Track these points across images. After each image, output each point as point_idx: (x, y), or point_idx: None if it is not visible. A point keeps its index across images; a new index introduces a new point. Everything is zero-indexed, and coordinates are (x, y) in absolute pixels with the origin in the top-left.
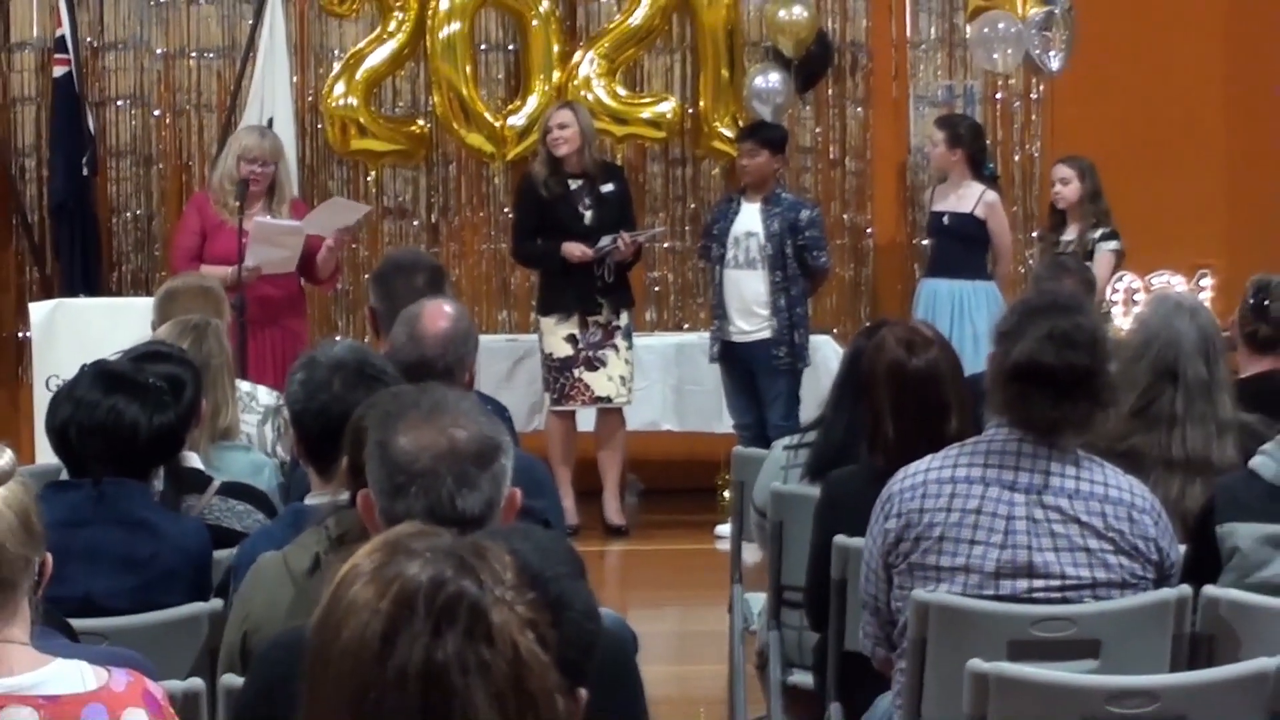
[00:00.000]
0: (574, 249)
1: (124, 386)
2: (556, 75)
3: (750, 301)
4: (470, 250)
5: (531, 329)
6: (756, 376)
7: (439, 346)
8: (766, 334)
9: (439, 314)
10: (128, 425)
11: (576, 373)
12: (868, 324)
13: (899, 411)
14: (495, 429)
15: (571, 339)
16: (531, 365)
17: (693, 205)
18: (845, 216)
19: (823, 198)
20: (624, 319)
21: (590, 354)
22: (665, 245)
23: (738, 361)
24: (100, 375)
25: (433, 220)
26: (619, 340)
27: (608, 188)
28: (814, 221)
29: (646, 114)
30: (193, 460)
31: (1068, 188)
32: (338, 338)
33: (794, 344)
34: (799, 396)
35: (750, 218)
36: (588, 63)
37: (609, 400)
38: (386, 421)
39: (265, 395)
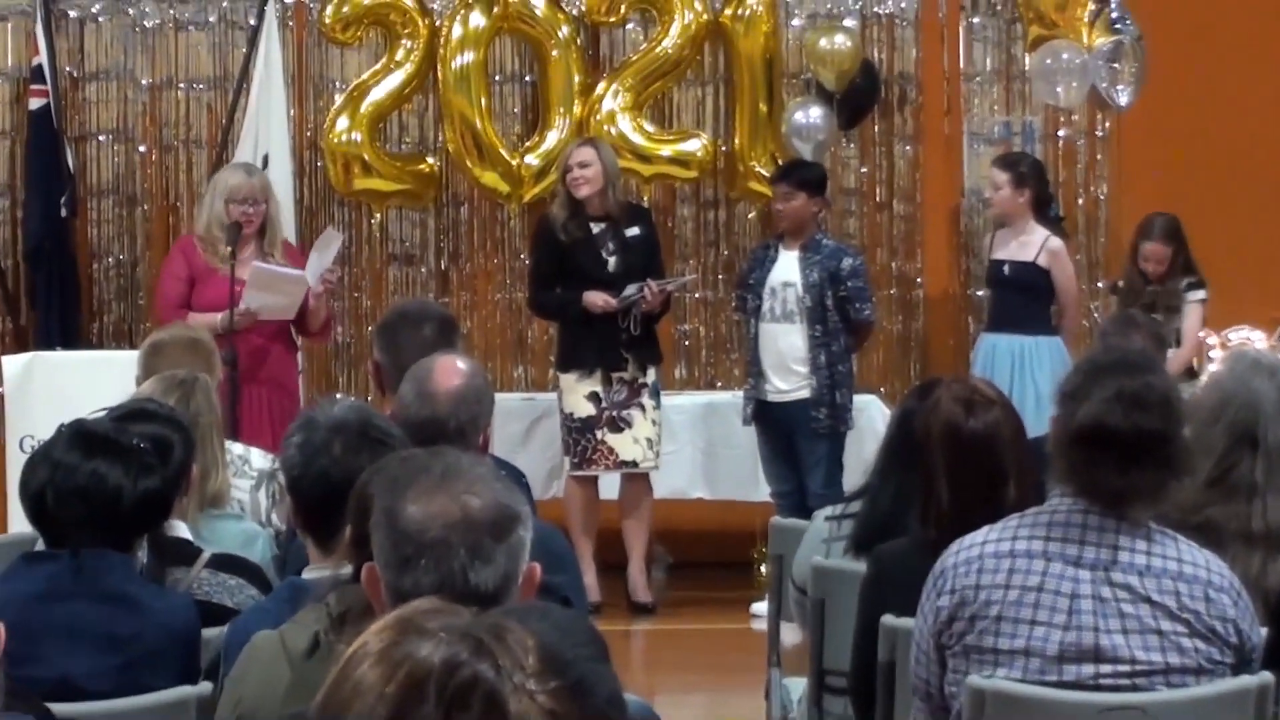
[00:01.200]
0: (596, 298)
1: (105, 448)
2: (577, 109)
3: (787, 358)
4: (483, 300)
5: (550, 386)
6: (795, 440)
7: (451, 405)
8: (805, 393)
9: (451, 370)
10: (110, 490)
11: (599, 434)
12: (918, 383)
13: (955, 478)
14: (512, 497)
15: (594, 397)
16: (550, 426)
17: (726, 252)
18: (893, 265)
19: (868, 244)
20: (651, 376)
21: (614, 414)
22: (696, 295)
23: (775, 423)
24: (79, 436)
25: (442, 267)
26: (646, 399)
27: (633, 231)
28: (857, 270)
29: (675, 151)
30: (180, 529)
31: (1161, 266)
32: (338, 396)
33: (835, 404)
34: (841, 462)
35: (788, 266)
36: (611, 95)
37: (635, 465)
38: (394, 488)
39: (259, 459)
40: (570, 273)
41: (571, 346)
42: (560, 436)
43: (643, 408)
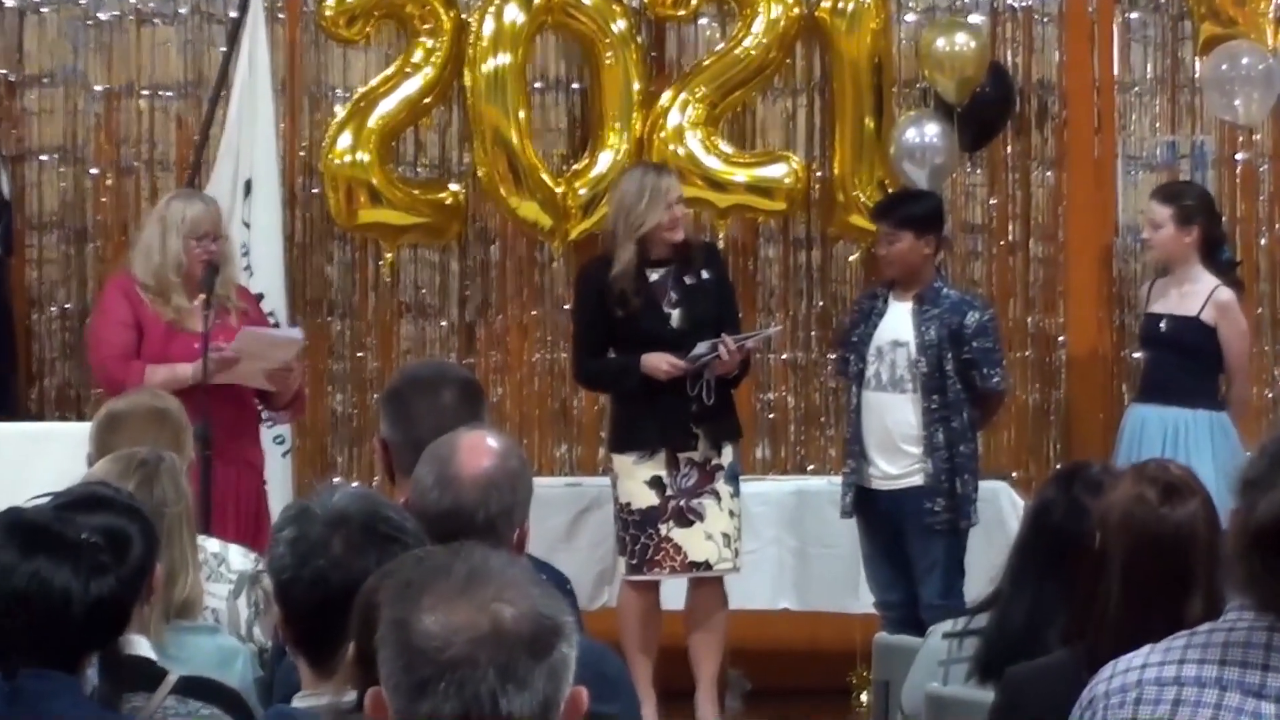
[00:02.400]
0: (659, 361)
1: (48, 544)
2: (637, 124)
3: (897, 435)
4: (517, 362)
5: (600, 469)
6: (905, 538)
7: (479, 493)
8: (918, 480)
9: (479, 449)
10: (56, 596)
11: (664, 529)
12: (1060, 468)
13: (1132, 581)
14: (554, 606)
15: (657, 484)
16: (601, 519)
17: (821, 303)
18: (1029, 320)
19: (998, 295)
20: (728, 455)
21: (682, 504)
22: (783, 356)
23: (880, 517)
24: (15, 529)
25: (467, 320)
26: (721, 484)
27: (702, 275)
28: (985, 327)
29: (758, 178)
30: (140, 646)
31: None
32: (337, 481)
33: (955, 494)
34: (963, 566)
35: (899, 322)
36: (679, 108)
37: (708, 567)
38: (407, 594)
39: (239, 558)
40: (624, 331)
41: (628, 421)
42: (614, 532)
43: (717, 496)
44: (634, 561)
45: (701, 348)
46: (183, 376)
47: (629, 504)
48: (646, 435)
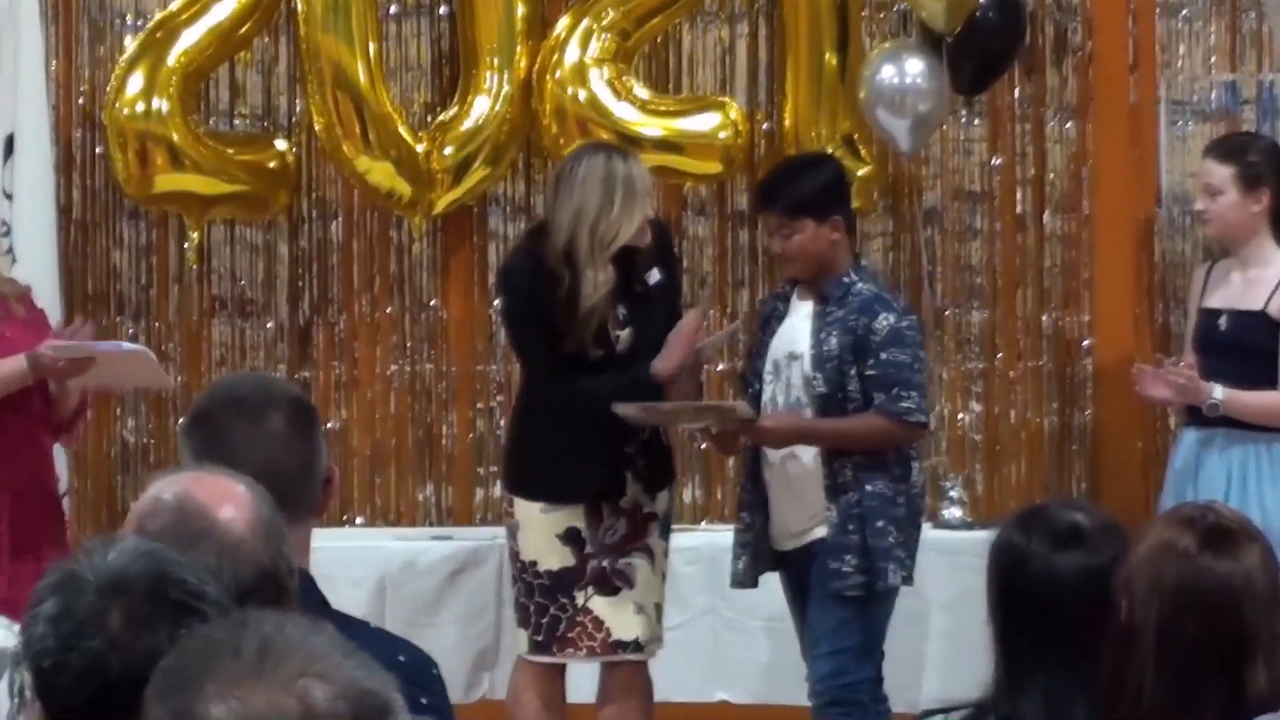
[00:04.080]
0: (673, 356)
1: None
2: (522, 60)
3: (795, 476)
4: (367, 375)
5: (482, 517)
6: (811, 605)
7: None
8: (822, 532)
9: (225, 491)
10: None
11: (581, 598)
12: (1024, 509)
13: (1172, 653)
14: (375, 679)
15: (573, 538)
16: (479, 582)
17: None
18: (1044, 318)
19: (1003, 285)
20: (662, 501)
21: (606, 565)
22: (720, 368)
23: (793, 584)
24: None
25: (300, 320)
26: (654, 539)
27: (652, 278)
28: (899, 335)
29: (684, 132)
30: None
31: None
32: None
33: (868, 548)
34: (876, 640)
35: (797, 328)
36: (579, 39)
37: (637, 647)
38: (183, 682)
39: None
40: (552, 356)
41: (537, 455)
42: (507, 599)
43: (650, 554)
44: (539, 638)
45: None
46: (8, 375)
47: (534, 563)
48: (563, 475)
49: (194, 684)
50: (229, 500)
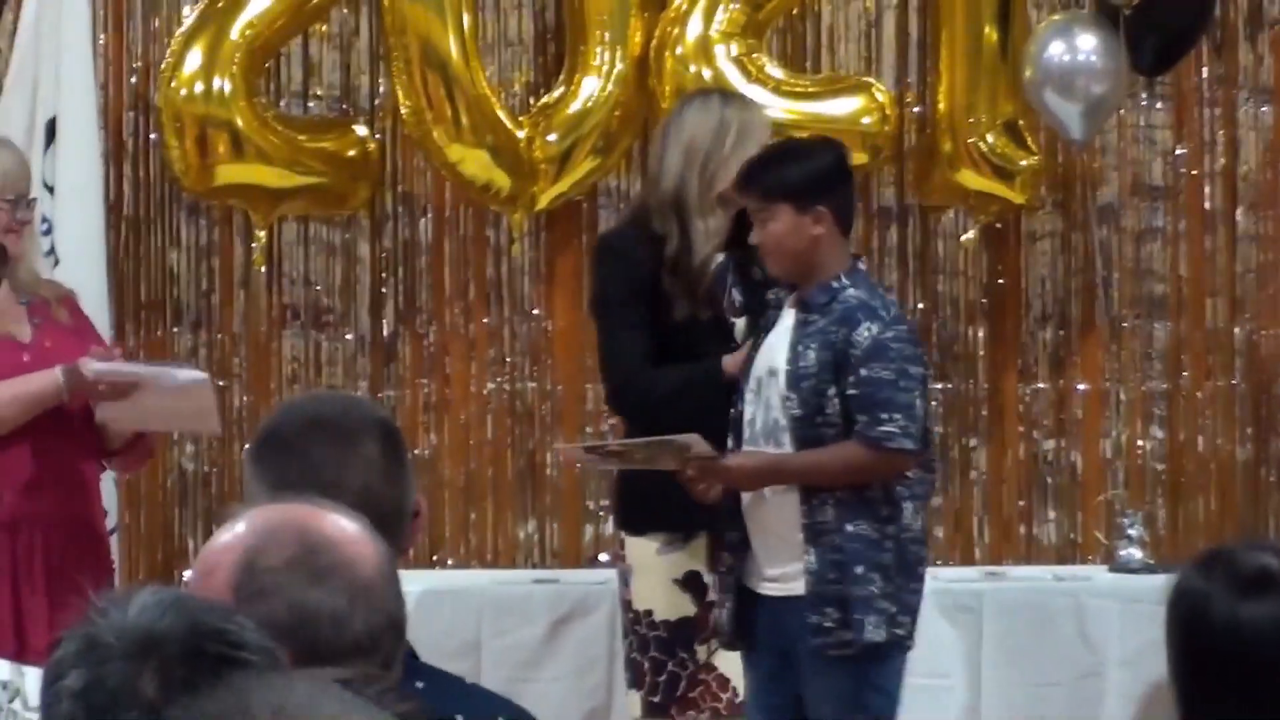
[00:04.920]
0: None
1: None
2: (636, 37)
3: (772, 514)
4: (461, 395)
5: (588, 558)
6: (796, 669)
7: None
8: (799, 587)
9: (345, 526)
10: None
11: (703, 652)
12: (1207, 551)
13: None
14: None
15: (693, 584)
16: (590, 633)
17: (920, 303)
18: (1238, 332)
19: (1189, 292)
20: None
21: None
22: None
23: (764, 635)
24: None
25: (384, 331)
26: None
27: None
28: (881, 348)
29: (824, 117)
30: None
31: None
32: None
33: (846, 599)
34: (870, 708)
35: (779, 341)
36: (703, 12)
37: None
38: None
39: (39, 685)
40: (666, 344)
41: (650, 487)
42: (622, 653)
43: None
44: (656, 699)
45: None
46: (40, 392)
47: (649, 613)
48: (682, 509)
49: None
50: (352, 537)
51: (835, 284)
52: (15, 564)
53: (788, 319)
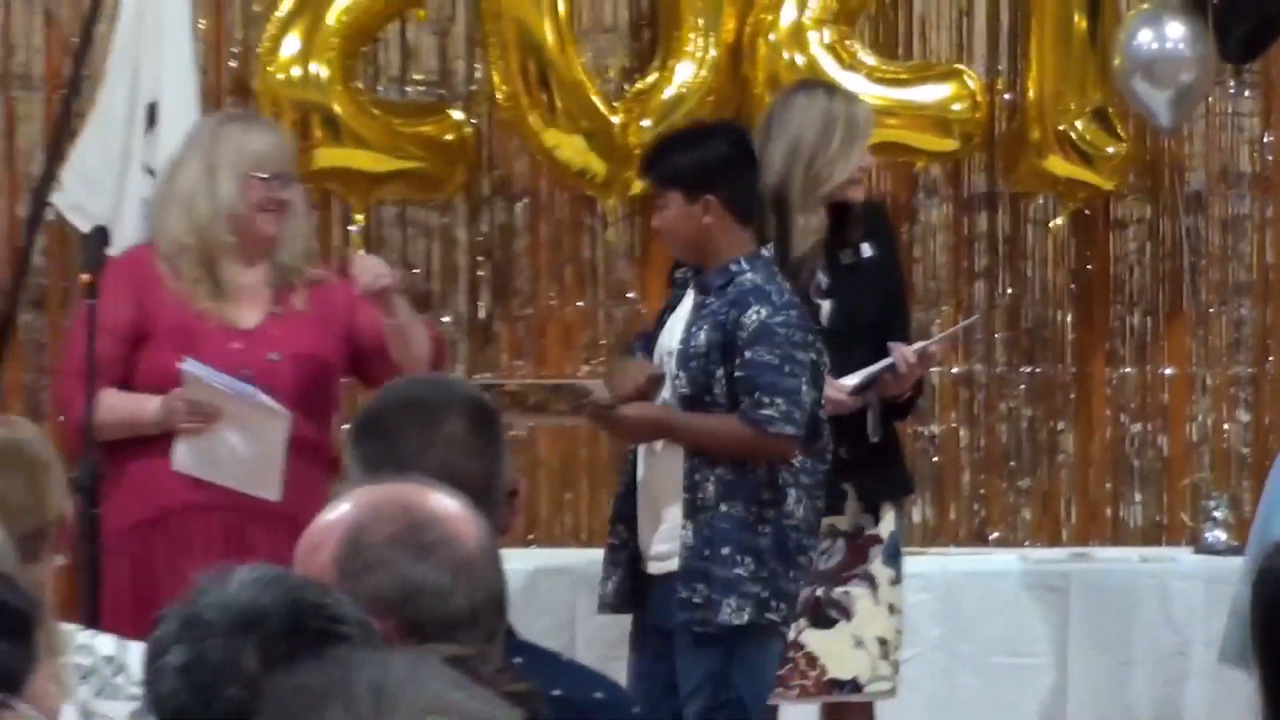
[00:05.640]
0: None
1: None
2: (729, 22)
3: (659, 490)
4: (557, 375)
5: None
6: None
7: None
8: (670, 563)
9: (447, 504)
10: None
11: (792, 631)
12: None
13: None
14: (496, 710)
15: None
16: None
17: (1009, 289)
18: None
19: (1276, 275)
20: (888, 522)
21: (822, 594)
22: (953, 370)
23: (651, 613)
24: None
25: (481, 314)
26: (877, 565)
27: (864, 252)
28: (767, 331)
29: (917, 103)
30: None
31: None
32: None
33: (710, 577)
34: (727, 687)
35: (678, 323)
36: (794, 1)
37: (856, 687)
38: None
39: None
40: None
41: None
42: None
43: (872, 583)
44: None
45: (869, 370)
46: (143, 418)
47: None
48: None
49: None
50: (455, 514)
51: (734, 268)
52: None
53: (688, 300)
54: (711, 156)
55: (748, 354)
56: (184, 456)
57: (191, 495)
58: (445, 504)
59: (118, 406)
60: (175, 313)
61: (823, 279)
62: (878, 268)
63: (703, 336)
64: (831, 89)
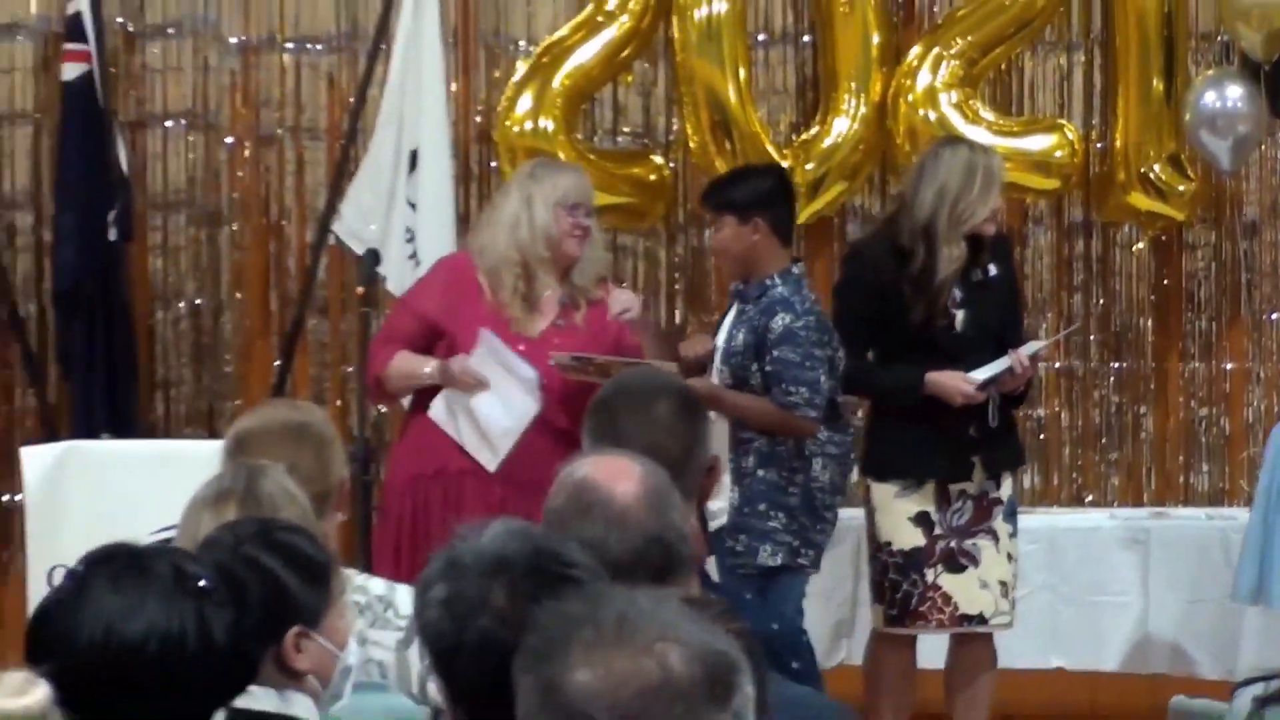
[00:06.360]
0: (953, 385)
1: (161, 588)
2: (877, 84)
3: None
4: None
5: (844, 499)
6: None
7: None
8: (724, 519)
9: (619, 468)
10: (173, 647)
11: (931, 575)
12: None
13: None
14: (723, 641)
15: (923, 520)
16: (836, 557)
17: (1100, 300)
18: None
19: None
20: (1006, 488)
21: (955, 545)
22: (1056, 365)
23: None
24: (123, 569)
25: (677, 320)
26: (999, 522)
27: (990, 271)
28: (791, 335)
29: (1026, 150)
30: (297, 706)
31: None
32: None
33: (750, 529)
34: (774, 616)
35: (725, 327)
36: (930, 65)
37: (981, 620)
38: (549, 652)
39: (409, 600)
40: (893, 331)
41: (893, 443)
42: (868, 575)
43: (994, 536)
44: (894, 612)
45: (996, 367)
46: (421, 372)
47: (889, 543)
48: (915, 462)
49: (559, 655)
50: (622, 476)
51: (769, 282)
52: (459, 507)
53: (734, 309)
54: (759, 188)
55: (775, 353)
56: (439, 406)
57: (468, 461)
58: (612, 470)
59: (405, 361)
60: (484, 317)
61: (957, 293)
62: (1000, 285)
63: (740, 338)
64: (972, 144)
